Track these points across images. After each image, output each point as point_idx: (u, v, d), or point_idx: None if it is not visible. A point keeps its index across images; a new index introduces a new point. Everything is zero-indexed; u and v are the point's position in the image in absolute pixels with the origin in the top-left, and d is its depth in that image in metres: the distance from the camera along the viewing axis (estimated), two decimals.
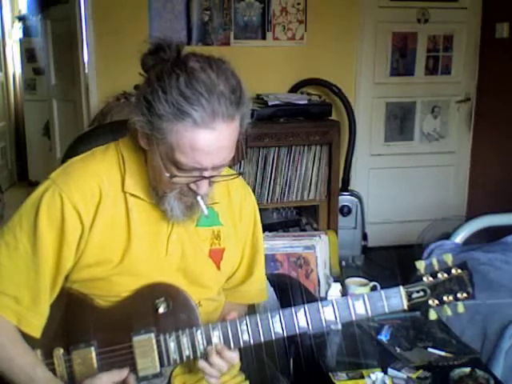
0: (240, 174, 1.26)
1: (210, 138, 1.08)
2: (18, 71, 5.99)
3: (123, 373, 1.17)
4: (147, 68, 1.15)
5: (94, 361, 1.19)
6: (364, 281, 1.92)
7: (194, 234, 1.27)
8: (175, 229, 1.24)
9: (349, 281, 1.92)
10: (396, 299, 1.20)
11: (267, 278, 1.51)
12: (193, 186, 1.14)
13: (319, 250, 2.30)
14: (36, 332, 1.18)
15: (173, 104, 1.06)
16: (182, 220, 1.20)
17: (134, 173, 1.21)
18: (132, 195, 1.20)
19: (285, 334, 1.20)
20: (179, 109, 1.06)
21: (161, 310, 1.20)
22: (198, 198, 1.16)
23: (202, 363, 1.19)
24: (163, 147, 1.10)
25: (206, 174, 1.13)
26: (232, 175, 1.23)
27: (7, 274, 1.16)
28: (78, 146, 1.55)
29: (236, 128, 1.12)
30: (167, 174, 1.12)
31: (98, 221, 1.17)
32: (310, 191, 3.32)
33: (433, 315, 1.20)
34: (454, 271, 1.20)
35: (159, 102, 1.07)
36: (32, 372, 1.15)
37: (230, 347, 1.19)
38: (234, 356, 1.20)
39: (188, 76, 1.07)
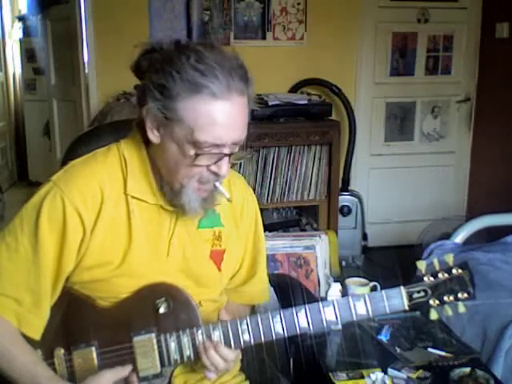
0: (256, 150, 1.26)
1: (227, 110, 1.09)
2: (18, 71, 5.99)
3: (125, 370, 1.17)
4: (143, 70, 1.16)
5: (95, 361, 1.20)
6: (364, 281, 1.92)
7: (195, 235, 1.27)
8: (177, 231, 1.24)
9: (349, 281, 1.92)
10: (397, 299, 1.20)
11: None
12: (214, 168, 1.14)
13: (319, 250, 2.30)
14: (36, 334, 1.18)
15: (188, 80, 1.08)
16: (199, 212, 1.19)
17: (135, 174, 1.21)
18: (134, 197, 1.20)
19: (285, 335, 1.20)
20: (196, 83, 1.08)
21: (161, 310, 1.20)
22: (217, 183, 1.16)
23: (204, 357, 1.18)
24: (181, 130, 1.10)
25: (226, 151, 1.13)
26: (247, 155, 1.22)
27: (8, 276, 1.16)
28: (78, 146, 1.54)
29: (247, 106, 1.14)
30: (191, 153, 1.11)
31: (100, 223, 1.17)
32: (310, 191, 3.32)
33: (434, 315, 1.20)
34: (454, 271, 1.20)
35: (173, 82, 1.08)
36: (34, 371, 1.15)
37: (230, 347, 1.19)
38: (228, 352, 1.19)
39: (197, 54, 1.09)
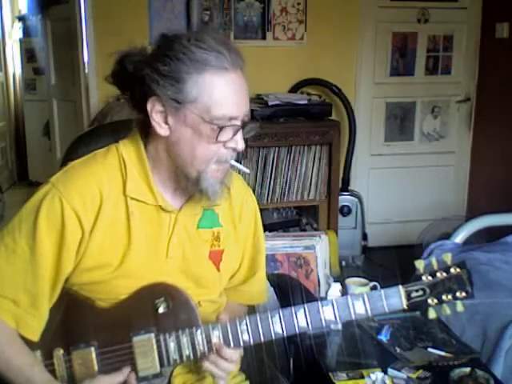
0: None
1: (237, 82, 1.13)
2: (18, 71, 5.99)
3: (123, 374, 1.17)
4: (129, 72, 1.18)
5: (94, 361, 1.19)
6: (364, 281, 1.92)
7: (195, 235, 1.27)
8: (176, 231, 1.24)
9: (349, 281, 1.92)
10: (395, 298, 1.20)
11: (267, 278, 1.51)
12: (231, 143, 1.16)
13: (319, 250, 2.30)
14: (34, 335, 1.18)
15: (196, 59, 1.10)
16: (220, 196, 1.20)
17: (134, 176, 1.20)
18: (133, 198, 1.20)
19: (285, 334, 1.20)
20: (204, 60, 1.10)
21: (161, 309, 1.20)
22: (233, 161, 1.19)
23: (206, 364, 1.19)
24: (196, 111, 1.12)
25: (239, 123, 1.16)
26: (256, 127, 1.24)
27: (6, 277, 1.15)
28: (78, 146, 1.54)
29: None
30: (208, 133, 1.13)
31: (99, 225, 1.17)
32: (310, 191, 3.32)
33: (432, 314, 1.20)
34: (452, 270, 1.20)
35: (182, 63, 1.11)
36: (30, 373, 1.14)
37: (229, 347, 1.19)
38: (233, 353, 1.20)
39: (194, 36, 1.13)
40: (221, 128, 1.13)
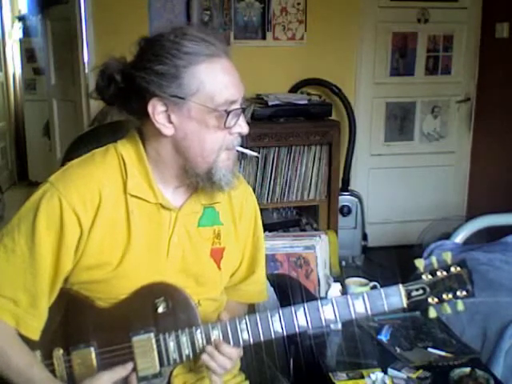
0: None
1: (231, 66, 1.17)
2: (18, 71, 5.99)
3: (125, 369, 1.17)
4: (118, 82, 1.18)
5: (94, 361, 1.19)
6: (364, 281, 1.92)
7: (195, 234, 1.27)
8: (176, 230, 1.23)
9: (349, 281, 1.92)
10: (395, 297, 1.19)
11: (267, 278, 1.51)
12: (236, 128, 1.17)
13: (319, 250, 2.30)
14: (34, 334, 1.18)
15: (190, 52, 1.12)
16: (233, 184, 1.21)
17: (135, 174, 1.20)
18: (134, 196, 1.20)
19: (284, 333, 1.20)
20: (198, 51, 1.13)
21: (160, 309, 1.20)
22: (239, 147, 1.21)
23: (204, 356, 1.18)
24: (200, 101, 1.13)
25: (239, 106, 1.17)
26: (250, 105, 1.25)
27: (5, 277, 1.15)
28: (78, 146, 1.54)
29: None
30: (213, 122, 1.14)
31: (98, 223, 1.17)
32: (310, 191, 3.32)
33: (432, 313, 1.20)
34: (453, 269, 1.20)
35: (177, 58, 1.12)
36: (30, 372, 1.14)
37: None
38: (232, 351, 1.19)
39: (180, 31, 1.15)
40: (228, 113, 1.14)
